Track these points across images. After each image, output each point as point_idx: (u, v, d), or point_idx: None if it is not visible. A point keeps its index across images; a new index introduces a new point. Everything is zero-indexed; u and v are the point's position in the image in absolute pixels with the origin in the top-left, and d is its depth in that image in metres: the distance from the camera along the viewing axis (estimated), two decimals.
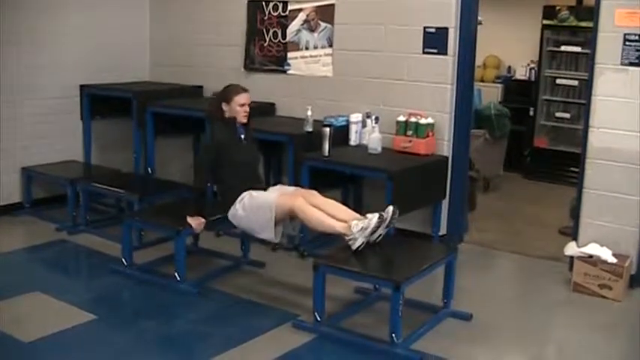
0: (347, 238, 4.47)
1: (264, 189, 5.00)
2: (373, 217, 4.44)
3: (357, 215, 4.63)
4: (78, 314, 4.56)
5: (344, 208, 4.82)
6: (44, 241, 5.98)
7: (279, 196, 4.77)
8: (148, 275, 5.24)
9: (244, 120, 5.01)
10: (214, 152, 4.94)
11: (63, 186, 6.36)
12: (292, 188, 5.09)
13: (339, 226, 4.55)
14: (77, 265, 5.91)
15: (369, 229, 4.42)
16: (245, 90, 5.05)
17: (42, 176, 6.64)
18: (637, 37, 5.00)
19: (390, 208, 4.52)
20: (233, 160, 4.94)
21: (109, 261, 5.45)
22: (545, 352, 4.41)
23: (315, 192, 4.90)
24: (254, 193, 4.82)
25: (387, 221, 4.48)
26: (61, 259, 5.78)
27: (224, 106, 4.97)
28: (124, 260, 5.28)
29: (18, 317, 4.51)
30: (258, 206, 4.75)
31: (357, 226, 4.44)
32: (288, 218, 4.80)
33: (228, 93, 5.01)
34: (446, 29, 5.71)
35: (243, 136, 5.04)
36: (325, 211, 4.68)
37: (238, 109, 4.96)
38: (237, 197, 4.83)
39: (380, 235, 4.51)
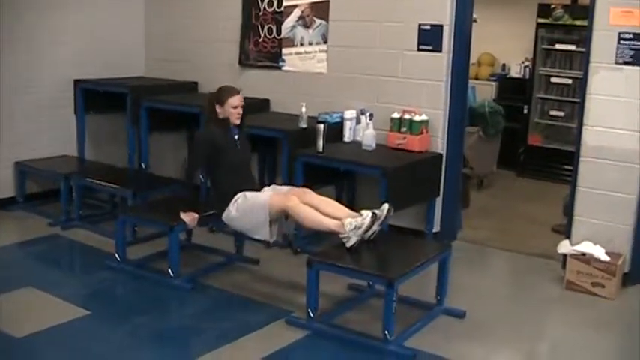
0: (341, 236, 4.47)
1: (258, 189, 5.00)
2: (367, 216, 4.44)
3: (352, 212, 4.63)
4: (71, 309, 4.56)
5: (338, 205, 4.82)
6: (37, 236, 5.97)
7: (272, 196, 4.77)
8: (141, 271, 5.24)
9: (237, 121, 4.99)
10: (208, 147, 4.92)
11: (56, 181, 6.35)
12: (286, 188, 5.08)
13: (332, 225, 4.55)
14: (70, 260, 5.90)
15: (363, 228, 4.42)
16: (237, 92, 5.03)
17: (35, 171, 6.62)
18: (631, 36, 5.01)
19: (385, 207, 4.51)
20: (227, 162, 4.93)
21: (102, 256, 5.45)
22: (538, 349, 4.42)
23: (308, 190, 4.90)
24: (247, 194, 4.81)
25: (382, 219, 4.49)
26: (55, 255, 5.77)
27: (217, 108, 4.95)
28: (117, 256, 5.28)
29: (10, 312, 4.50)
30: (251, 207, 4.75)
31: (351, 224, 4.44)
32: (283, 217, 4.79)
33: (221, 95, 4.98)
34: (441, 26, 5.70)
35: (236, 137, 5.04)
36: (319, 209, 4.67)
37: (232, 110, 4.94)
38: (232, 198, 4.83)
39: (374, 232, 4.51)
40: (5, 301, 4.66)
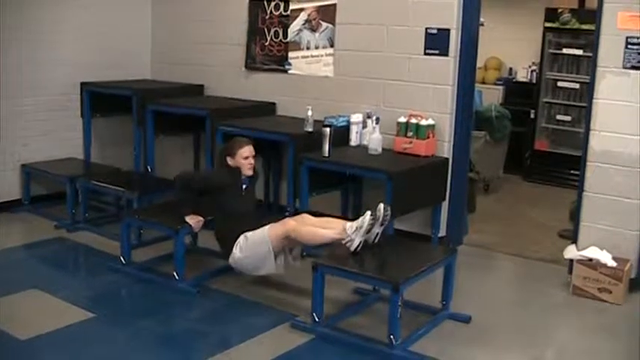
0: (344, 241, 4.47)
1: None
2: (366, 216, 4.46)
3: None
4: (76, 312, 4.56)
5: (337, 220, 4.84)
6: (43, 239, 5.98)
7: (270, 227, 4.79)
8: (146, 274, 5.24)
9: (249, 172, 5.05)
10: (211, 184, 5.00)
11: (62, 183, 6.35)
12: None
13: (333, 233, 4.58)
14: (76, 262, 5.90)
15: (364, 228, 4.43)
16: (248, 143, 5.07)
17: (41, 173, 6.63)
18: (639, 41, 4.99)
19: (381, 206, 4.53)
20: (230, 207, 4.96)
21: (107, 259, 5.45)
22: (544, 355, 4.39)
23: (306, 215, 4.93)
24: (248, 234, 4.83)
25: (381, 219, 4.49)
26: (60, 257, 5.77)
27: (229, 160, 5.02)
28: (122, 258, 5.29)
29: (15, 315, 4.50)
30: (254, 244, 4.78)
31: (352, 227, 4.46)
32: (287, 248, 4.82)
33: (231, 148, 5.05)
34: (447, 30, 5.69)
35: (244, 186, 5.07)
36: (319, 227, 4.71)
37: (243, 161, 5.00)
38: (234, 242, 4.84)
39: (377, 234, 4.51)
40: (10, 303, 4.66)
